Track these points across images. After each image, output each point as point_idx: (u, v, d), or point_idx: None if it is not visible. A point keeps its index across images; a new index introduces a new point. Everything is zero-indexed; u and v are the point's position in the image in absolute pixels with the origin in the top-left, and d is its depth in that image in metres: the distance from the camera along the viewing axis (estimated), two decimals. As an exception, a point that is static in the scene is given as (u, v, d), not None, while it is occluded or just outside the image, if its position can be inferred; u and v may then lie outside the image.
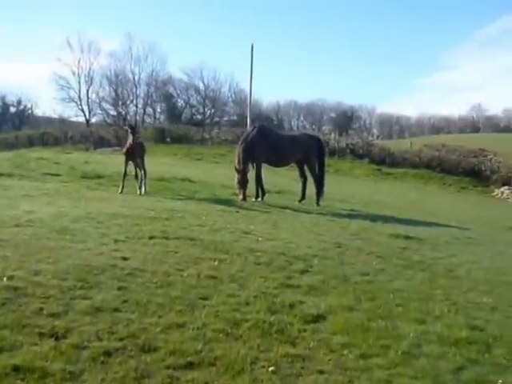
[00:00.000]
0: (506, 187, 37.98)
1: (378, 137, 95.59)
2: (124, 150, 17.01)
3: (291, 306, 6.55)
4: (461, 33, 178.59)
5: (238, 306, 6.33)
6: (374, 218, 15.55)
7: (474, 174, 41.55)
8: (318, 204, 17.67)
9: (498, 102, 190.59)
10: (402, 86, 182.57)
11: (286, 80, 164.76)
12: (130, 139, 16.47)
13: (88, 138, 52.75)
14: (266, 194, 17.42)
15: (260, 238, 10.28)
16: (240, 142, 17.24)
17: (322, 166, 18.75)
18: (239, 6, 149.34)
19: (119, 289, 6.41)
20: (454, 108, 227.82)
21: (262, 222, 12.58)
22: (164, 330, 5.39)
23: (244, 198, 16.13)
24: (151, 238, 9.22)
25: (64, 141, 52.79)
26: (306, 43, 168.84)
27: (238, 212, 13.64)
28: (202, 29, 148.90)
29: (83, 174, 19.43)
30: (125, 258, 7.75)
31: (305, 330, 5.82)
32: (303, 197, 18.05)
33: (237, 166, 16.34)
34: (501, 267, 10.72)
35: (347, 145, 45.82)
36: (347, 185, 30.95)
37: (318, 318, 6.24)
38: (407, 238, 12.49)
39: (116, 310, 5.77)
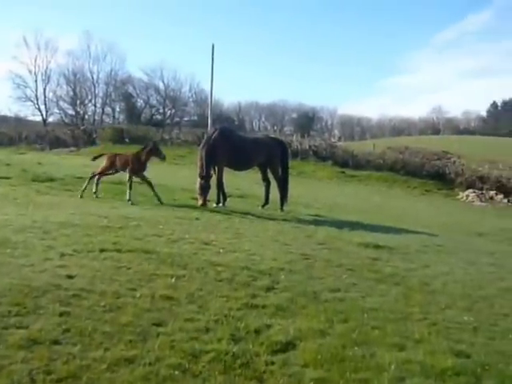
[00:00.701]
0: (471, 190, 37.79)
1: (339, 138, 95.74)
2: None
3: (257, 331, 5.82)
4: (421, 36, 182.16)
5: (196, 333, 5.58)
6: (340, 225, 14.90)
7: (438, 176, 41.26)
8: (281, 209, 16.96)
9: (458, 105, 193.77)
10: (363, 87, 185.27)
11: (248, 80, 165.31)
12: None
13: (44, 138, 51.31)
14: (228, 199, 16.62)
15: (221, 250, 9.50)
16: (202, 145, 16.39)
17: (285, 169, 17.94)
18: (200, 6, 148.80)
19: (61, 315, 5.61)
20: (415, 110, 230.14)
21: (223, 230, 11.75)
22: (110, 366, 4.62)
23: (204, 204, 15.32)
24: (102, 250, 8.38)
25: (19, 141, 51.27)
26: (268, 44, 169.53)
27: (197, 219, 12.78)
28: (163, 28, 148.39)
29: (34, 177, 18.46)
30: (70, 276, 6.93)
31: (273, 363, 5.09)
32: (266, 201, 17.31)
33: (200, 171, 15.50)
34: (476, 279, 10.18)
35: (310, 147, 45.18)
36: (311, 188, 30.29)
37: (288, 346, 5.53)
38: (377, 247, 11.85)
39: (55, 342, 4.98)
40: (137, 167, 15.95)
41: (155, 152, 16.58)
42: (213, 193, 16.13)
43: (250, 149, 16.93)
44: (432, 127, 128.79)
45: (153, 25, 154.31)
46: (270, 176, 17.71)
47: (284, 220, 14.70)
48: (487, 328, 7.15)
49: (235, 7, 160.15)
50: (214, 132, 16.64)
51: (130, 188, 15.30)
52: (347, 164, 42.73)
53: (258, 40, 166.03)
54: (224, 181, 16.47)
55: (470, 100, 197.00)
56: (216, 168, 16.32)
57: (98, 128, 54.09)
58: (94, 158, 17.01)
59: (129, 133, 47.61)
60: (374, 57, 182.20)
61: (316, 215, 16.86)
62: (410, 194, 36.66)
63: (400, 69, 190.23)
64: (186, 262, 8.28)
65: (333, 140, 58.90)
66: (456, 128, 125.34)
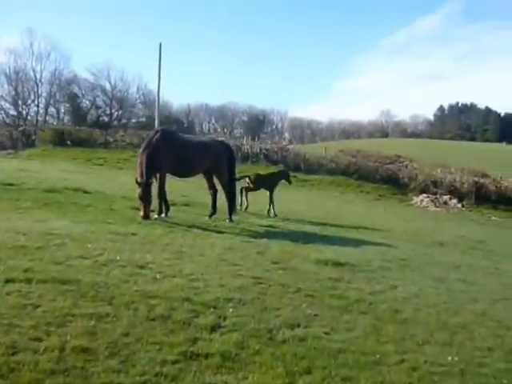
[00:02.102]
0: (425, 195, 37.20)
1: (289, 141, 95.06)
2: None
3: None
4: (370, 40, 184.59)
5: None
6: (295, 237, 13.58)
7: (391, 181, 40.61)
8: (230, 219, 15.50)
9: (406, 108, 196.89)
10: (313, 90, 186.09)
11: (198, 82, 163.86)
12: None
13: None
14: (171, 209, 15.03)
15: (158, 275, 7.97)
16: (142, 149, 14.60)
17: (232, 175, 16.60)
18: (148, 5, 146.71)
19: None
20: (364, 113, 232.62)
21: (162, 248, 10.13)
22: None
23: (146, 216, 13.61)
24: (8, 281, 6.80)
25: None
26: (218, 46, 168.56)
27: (134, 235, 11.09)
28: (110, 27, 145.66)
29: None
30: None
31: None
32: (214, 211, 15.79)
33: (139, 179, 13.83)
34: (449, 301, 9.15)
35: (261, 150, 43.88)
36: (262, 194, 28.89)
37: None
38: (337, 264, 10.61)
39: None
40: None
41: (286, 178, 21.98)
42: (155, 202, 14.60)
43: (195, 153, 15.32)
44: (381, 130, 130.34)
45: (99, 23, 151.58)
46: (218, 184, 16.24)
47: (233, 233, 13.22)
48: (475, 371, 6.09)
49: (184, 7, 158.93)
50: (155, 134, 14.83)
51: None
52: (299, 168, 41.62)
53: (208, 42, 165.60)
54: (167, 188, 14.89)
55: (417, 104, 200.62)
56: (157, 175, 14.75)
57: (37, 129, 51.25)
58: (239, 179, 19.36)
59: (70, 135, 45.32)
60: (324, 60, 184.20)
61: (269, 226, 15.47)
62: (364, 199, 35.79)
63: (350, 72, 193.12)
64: (113, 294, 6.77)
65: (284, 143, 57.38)
66: (404, 131, 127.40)
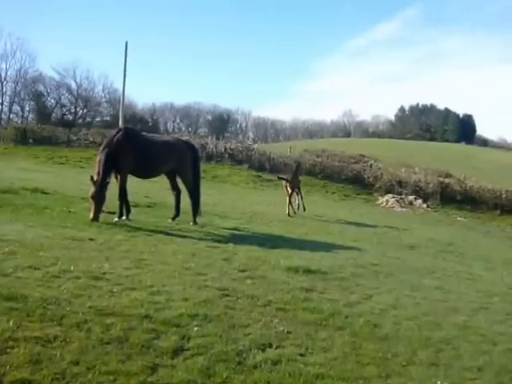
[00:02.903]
0: (390, 195, 36.93)
1: (253, 140, 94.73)
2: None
3: None
4: (331, 43, 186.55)
5: None
6: (262, 241, 13.07)
7: (356, 180, 40.28)
8: (194, 222, 14.79)
9: (368, 109, 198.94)
10: (277, 91, 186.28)
11: (163, 82, 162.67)
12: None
13: None
14: (133, 211, 14.25)
15: (116, 288, 7.22)
16: (102, 147, 13.87)
17: (197, 177, 15.76)
18: (113, 5, 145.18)
19: None
20: (327, 113, 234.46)
21: (122, 255, 9.36)
22: None
23: (95, 218, 12.71)
24: None
25: None
26: (183, 45, 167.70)
27: (92, 240, 10.28)
28: (76, 26, 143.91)
29: None
30: None
31: None
32: (177, 213, 15.05)
33: (95, 177, 13.07)
34: (429, 312, 8.64)
35: (226, 149, 43.15)
36: (227, 194, 28.32)
37: None
38: (308, 272, 10.00)
39: None
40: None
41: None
42: (111, 202, 13.81)
43: (158, 153, 14.60)
44: (343, 130, 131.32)
45: (66, 22, 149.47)
46: (180, 183, 15.51)
47: (197, 237, 12.52)
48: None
49: (150, 7, 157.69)
50: (116, 133, 14.03)
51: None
52: (264, 168, 41.03)
53: (173, 41, 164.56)
54: (129, 189, 14.12)
55: (379, 105, 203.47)
56: (118, 175, 14.00)
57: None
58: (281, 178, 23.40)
59: (33, 133, 44.03)
60: (287, 61, 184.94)
61: (234, 228, 14.83)
62: (330, 199, 35.41)
63: (313, 74, 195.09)
64: (64, 311, 6.01)
65: (248, 142, 56.73)
66: (366, 131, 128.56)
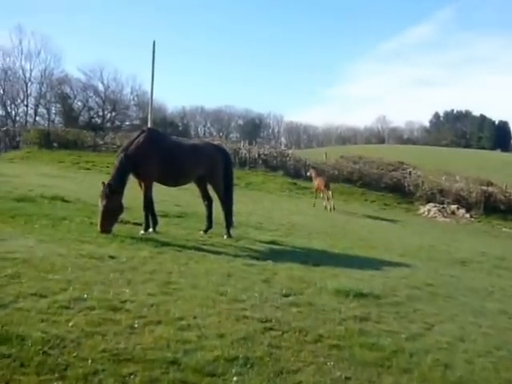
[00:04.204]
0: (432, 204, 35.27)
1: (286, 146, 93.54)
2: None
3: None
4: (363, 47, 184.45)
5: None
6: (304, 257, 11.76)
7: (396, 189, 38.67)
8: (228, 235, 13.52)
9: (401, 114, 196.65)
10: (309, 96, 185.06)
11: (193, 85, 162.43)
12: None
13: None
14: (160, 222, 12.99)
15: (137, 322, 5.95)
16: (120, 150, 12.72)
17: (229, 184, 14.31)
18: (142, 4, 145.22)
19: None
20: (360, 119, 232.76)
21: (146, 277, 8.07)
22: None
23: (103, 230, 11.26)
24: None
25: None
26: (215, 49, 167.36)
27: (112, 258, 9.00)
28: (103, 26, 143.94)
29: None
30: None
31: None
32: (209, 225, 13.74)
33: (109, 183, 11.69)
34: (501, 345, 7.35)
35: (259, 155, 41.87)
36: (262, 203, 27.05)
37: None
38: (359, 295, 8.69)
39: None
40: None
41: None
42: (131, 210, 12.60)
43: (187, 159, 13.24)
44: (377, 136, 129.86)
45: (92, 21, 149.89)
46: (211, 191, 14.22)
47: (232, 253, 11.21)
48: None
49: (180, 9, 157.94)
50: (138, 135, 12.79)
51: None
52: (299, 174, 39.64)
53: (204, 44, 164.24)
54: (155, 197, 12.89)
55: (412, 110, 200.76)
56: (142, 183, 12.84)
57: (22, 130, 49.00)
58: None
59: (58, 136, 43.08)
60: (319, 65, 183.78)
61: (272, 242, 13.55)
62: (369, 208, 33.88)
63: (344, 78, 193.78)
64: (69, 359, 4.73)
65: (283, 148, 55.27)
66: (400, 137, 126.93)
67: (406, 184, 39.09)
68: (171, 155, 12.93)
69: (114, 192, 11.58)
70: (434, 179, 40.13)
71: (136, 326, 5.85)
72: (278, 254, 11.88)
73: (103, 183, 11.68)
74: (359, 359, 5.90)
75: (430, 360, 6.21)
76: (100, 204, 11.54)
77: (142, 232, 12.15)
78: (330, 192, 29.23)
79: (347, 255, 13.31)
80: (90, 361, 4.76)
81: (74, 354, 4.85)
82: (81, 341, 5.19)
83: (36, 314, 5.76)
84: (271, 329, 6.42)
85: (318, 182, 30.00)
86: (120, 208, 11.75)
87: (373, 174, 39.81)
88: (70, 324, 5.58)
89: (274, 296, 8.02)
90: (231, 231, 13.70)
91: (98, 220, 11.50)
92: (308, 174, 33.85)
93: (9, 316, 5.57)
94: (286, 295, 8.17)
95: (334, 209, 28.19)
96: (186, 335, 5.77)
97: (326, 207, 28.78)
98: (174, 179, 13.61)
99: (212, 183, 14.02)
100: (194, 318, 6.40)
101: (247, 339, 5.92)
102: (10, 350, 4.73)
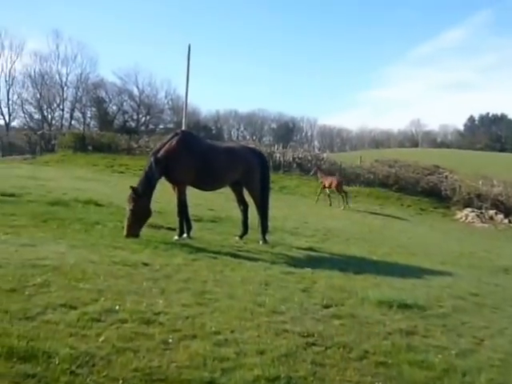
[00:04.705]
0: (470, 209, 34.39)
1: (319, 149, 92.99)
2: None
3: None
4: (396, 51, 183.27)
5: None
6: (343, 265, 11.31)
7: (432, 193, 37.87)
8: (264, 241, 13.15)
9: (435, 118, 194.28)
10: (341, 99, 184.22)
11: (227, 89, 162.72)
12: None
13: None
14: (195, 227, 12.65)
15: (171, 336, 5.56)
16: (151, 153, 12.47)
17: (265, 188, 13.86)
18: (175, 9, 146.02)
19: None
20: (393, 122, 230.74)
21: (181, 286, 7.69)
22: None
23: (129, 234, 11.05)
24: None
25: None
26: (248, 53, 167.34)
27: (146, 265, 8.68)
28: (138, 30, 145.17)
29: None
30: None
31: None
32: (245, 231, 13.36)
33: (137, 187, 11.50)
34: None
35: (294, 159, 41.43)
36: (297, 207, 26.63)
37: None
38: (404, 306, 8.19)
39: None
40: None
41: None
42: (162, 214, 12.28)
43: (220, 162, 12.87)
44: (411, 140, 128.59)
45: (127, 26, 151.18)
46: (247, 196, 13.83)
47: (269, 260, 10.84)
48: None
49: (212, 12, 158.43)
50: (171, 137, 12.51)
51: None
52: (334, 178, 39.15)
53: (237, 48, 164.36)
54: (189, 201, 12.57)
55: (447, 114, 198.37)
56: (175, 187, 12.53)
57: (57, 133, 49.54)
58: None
59: (92, 140, 43.28)
60: (352, 69, 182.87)
61: (309, 248, 13.16)
62: (405, 212, 33.17)
63: (378, 82, 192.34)
64: (99, 379, 4.35)
65: (317, 151, 54.66)
66: (433, 141, 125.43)
67: (442, 188, 38.27)
68: (206, 159, 12.59)
69: (140, 195, 11.35)
70: (471, 183, 39.19)
71: (170, 341, 5.46)
72: (315, 261, 11.49)
73: (131, 187, 11.41)
74: (408, 378, 5.47)
75: (485, 380, 5.74)
76: (127, 208, 11.31)
77: (176, 238, 11.84)
78: (344, 192, 30.73)
79: (387, 262, 12.83)
80: (121, 381, 4.41)
81: (104, 374, 4.49)
82: (111, 358, 4.83)
83: (65, 327, 5.42)
84: (313, 344, 5.99)
85: (330, 181, 31.03)
86: (147, 212, 11.47)
87: (409, 178, 39.05)
88: (101, 339, 5.22)
89: (315, 307, 7.61)
90: (266, 237, 13.32)
91: (124, 224, 11.24)
92: (311, 173, 34.15)
93: (36, 329, 5.24)
94: (327, 306, 7.74)
95: (348, 207, 29.95)
96: (223, 351, 5.37)
97: (344, 206, 30.12)
98: (208, 183, 13.27)
99: (248, 188, 13.65)
100: (232, 331, 6.01)
101: (289, 356, 5.50)
102: (35, 369, 4.38)
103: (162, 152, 12.04)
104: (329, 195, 31.16)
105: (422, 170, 43.40)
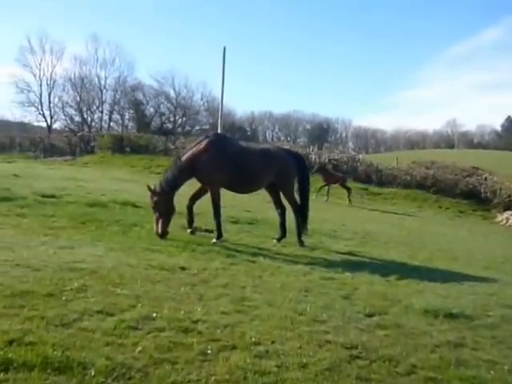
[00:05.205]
0: (510, 212, 33.58)
1: (353, 150, 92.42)
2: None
3: None
4: (432, 51, 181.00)
5: None
6: (383, 270, 10.94)
7: (471, 195, 37.12)
8: (300, 243, 12.88)
9: (471, 118, 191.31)
10: (376, 101, 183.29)
11: (262, 90, 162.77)
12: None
13: (37, 145, 47.93)
14: (232, 229, 12.47)
15: (210, 347, 5.33)
16: (177, 156, 12.67)
17: (305, 190, 13.50)
18: (210, 11, 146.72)
19: None
20: (428, 123, 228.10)
21: (219, 292, 7.47)
22: None
23: (163, 233, 11.26)
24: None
25: (9, 148, 48.67)
26: (282, 54, 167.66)
27: (183, 269, 8.51)
28: (174, 34, 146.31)
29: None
30: None
31: None
32: (283, 234, 13.05)
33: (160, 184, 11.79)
34: None
35: (330, 160, 41.07)
36: (334, 209, 26.32)
37: None
38: (450, 316, 7.79)
39: None
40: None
41: None
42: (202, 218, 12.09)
43: (253, 164, 12.64)
44: (446, 140, 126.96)
45: (164, 30, 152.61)
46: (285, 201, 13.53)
47: (308, 264, 10.59)
48: None
49: (246, 13, 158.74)
50: (201, 141, 12.43)
51: None
52: (370, 180, 38.65)
53: (272, 50, 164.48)
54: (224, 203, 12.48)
55: (484, 114, 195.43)
56: (209, 190, 12.41)
57: (96, 135, 50.44)
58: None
59: (130, 141, 43.63)
60: (388, 71, 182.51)
61: (348, 252, 12.85)
62: (443, 215, 32.56)
63: (413, 82, 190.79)
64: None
65: (353, 153, 54.05)
66: (470, 142, 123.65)
67: (482, 190, 37.49)
68: (238, 161, 12.44)
69: (159, 192, 11.63)
70: (511, 185, 38.35)
71: (209, 352, 5.23)
72: (355, 265, 11.15)
73: (148, 187, 11.75)
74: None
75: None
76: (153, 207, 11.58)
77: (214, 240, 11.69)
78: (348, 188, 31.95)
79: (428, 268, 12.40)
80: (158, 394, 4.21)
81: (141, 389, 4.30)
82: (148, 370, 4.62)
83: (101, 335, 5.24)
84: (357, 357, 5.69)
85: (335, 178, 32.23)
86: (168, 208, 11.58)
87: (447, 180, 38.32)
88: (138, 349, 5.02)
89: (357, 316, 7.31)
90: (303, 239, 13.06)
91: (158, 224, 11.38)
92: (313, 171, 33.59)
93: (72, 338, 5.06)
94: (370, 315, 7.43)
95: (351, 204, 31.02)
96: (264, 364, 5.11)
97: (349, 202, 31.38)
98: (241, 186, 13.09)
99: (283, 191, 13.35)
100: (272, 342, 5.75)
101: (332, 370, 5.22)
102: (70, 382, 4.20)
103: (187, 154, 12.04)
104: (328, 191, 32.04)
105: (460, 171, 42.65)
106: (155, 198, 11.53)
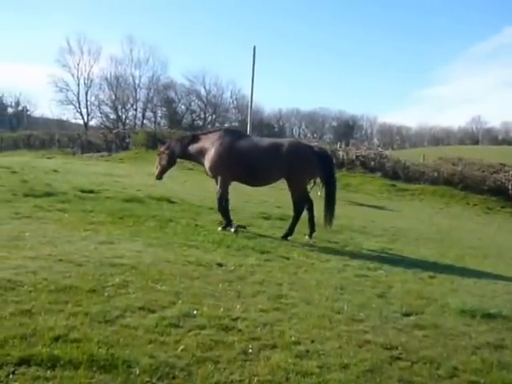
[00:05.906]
0: (539, 209, 33.12)
1: (378, 146, 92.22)
2: None
3: None
4: (456, 48, 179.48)
5: None
6: (415, 267, 10.91)
7: (499, 192, 36.62)
8: (310, 236, 12.81)
9: (496, 115, 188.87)
10: (401, 97, 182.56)
11: (290, 88, 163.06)
12: None
13: (75, 141, 49.01)
14: (265, 225, 12.54)
15: (251, 346, 5.35)
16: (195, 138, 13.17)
17: (331, 186, 13.10)
18: (240, 11, 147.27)
19: None
20: (453, 120, 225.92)
21: (256, 289, 7.49)
22: None
23: (157, 177, 13.88)
24: (21, 363, 4.30)
25: (49, 144, 50.33)
26: (310, 52, 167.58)
27: (220, 266, 8.56)
28: (205, 34, 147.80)
29: (30, 190, 14.48)
30: None
31: None
32: (312, 229, 12.90)
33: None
34: None
35: (357, 156, 40.87)
36: (362, 205, 26.25)
37: None
38: (487, 316, 7.68)
39: None
40: None
41: None
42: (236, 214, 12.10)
43: (258, 158, 12.53)
44: (471, 137, 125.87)
45: (196, 31, 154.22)
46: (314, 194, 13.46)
47: (341, 261, 10.56)
48: None
49: (276, 12, 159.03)
50: (212, 131, 13.14)
51: None
52: (397, 176, 38.37)
53: (300, 48, 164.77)
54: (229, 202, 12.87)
55: (508, 111, 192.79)
56: (218, 182, 12.76)
57: (131, 132, 51.90)
58: None
59: (163, 137, 44.11)
60: (413, 67, 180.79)
61: (380, 249, 12.81)
62: (471, 212, 32.19)
63: (438, 79, 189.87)
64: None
65: (379, 149, 53.54)
66: (495, 138, 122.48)
67: (510, 187, 36.98)
68: (245, 153, 12.60)
69: (166, 148, 13.45)
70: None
71: (250, 350, 5.25)
72: (388, 263, 11.09)
73: (158, 139, 14.62)
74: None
75: None
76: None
77: (220, 229, 12.24)
78: None
79: (461, 266, 12.27)
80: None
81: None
82: (191, 369, 4.64)
83: (143, 333, 5.28)
84: (398, 358, 5.65)
85: None
86: (169, 161, 13.64)
87: (475, 177, 37.75)
88: (180, 347, 5.04)
89: (394, 315, 7.26)
90: (313, 235, 13.02)
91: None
92: None
93: (115, 335, 5.11)
94: (407, 314, 7.38)
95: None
96: (305, 364, 5.10)
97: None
98: (250, 180, 13.23)
99: (291, 184, 12.95)
100: (312, 341, 5.74)
101: (374, 372, 5.19)
102: (115, 381, 4.24)
103: (198, 145, 12.97)
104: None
105: (488, 167, 42.04)
106: (162, 149, 13.38)
